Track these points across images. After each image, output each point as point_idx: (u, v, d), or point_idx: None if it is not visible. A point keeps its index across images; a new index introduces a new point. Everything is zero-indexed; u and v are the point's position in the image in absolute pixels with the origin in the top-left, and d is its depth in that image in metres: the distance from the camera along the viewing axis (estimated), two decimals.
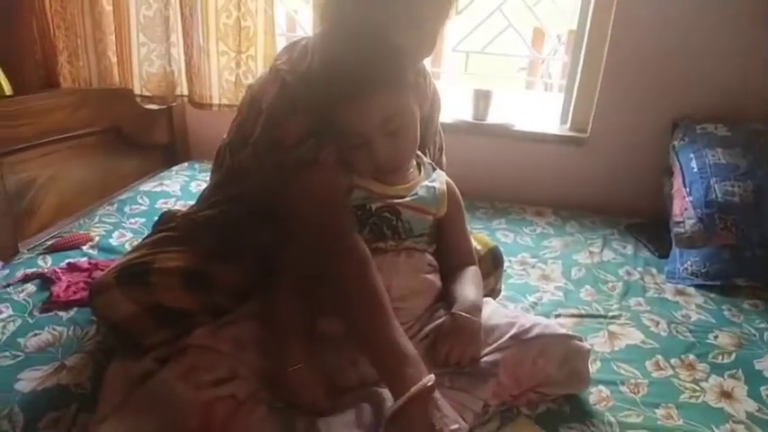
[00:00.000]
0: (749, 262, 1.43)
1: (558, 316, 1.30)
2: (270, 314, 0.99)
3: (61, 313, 1.18)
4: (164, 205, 1.72)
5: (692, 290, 1.44)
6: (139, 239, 1.48)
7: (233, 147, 1.15)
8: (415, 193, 1.06)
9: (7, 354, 1.04)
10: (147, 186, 1.83)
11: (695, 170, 1.53)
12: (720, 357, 1.17)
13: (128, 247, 1.45)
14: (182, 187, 1.85)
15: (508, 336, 0.99)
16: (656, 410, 1.01)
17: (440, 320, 1.02)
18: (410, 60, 1.05)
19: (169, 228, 1.13)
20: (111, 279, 1.01)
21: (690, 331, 1.26)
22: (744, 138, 1.55)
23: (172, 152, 2.11)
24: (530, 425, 0.96)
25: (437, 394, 0.84)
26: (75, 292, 1.24)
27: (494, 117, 1.94)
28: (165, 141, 2.07)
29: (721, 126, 1.62)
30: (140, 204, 1.71)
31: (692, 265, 1.49)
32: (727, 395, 1.06)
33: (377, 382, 0.93)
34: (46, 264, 1.35)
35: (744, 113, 1.67)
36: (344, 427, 0.86)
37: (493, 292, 1.23)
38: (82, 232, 1.51)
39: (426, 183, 1.09)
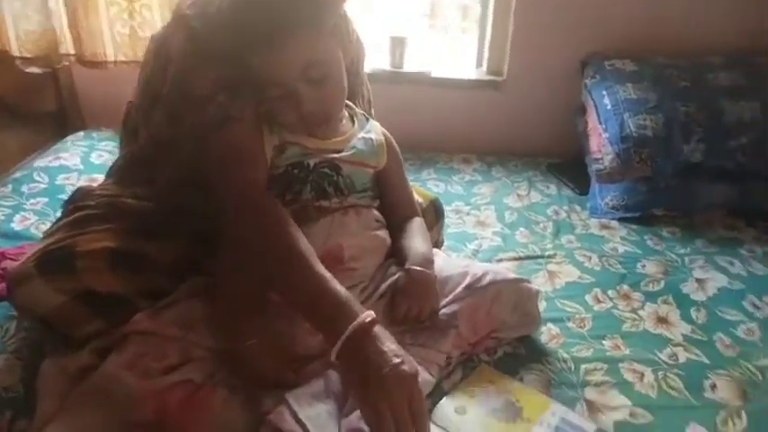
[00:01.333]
0: (664, 192, 1.53)
1: (499, 261, 1.32)
2: (218, 290, 0.92)
3: None
4: (65, 181, 1.54)
5: (615, 223, 1.52)
6: (45, 222, 1.34)
7: (144, 108, 1.03)
8: (353, 147, 1.02)
9: None
10: (43, 161, 1.63)
11: (608, 107, 1.59)
12: (651, 285, 1.25)
13: (34, 231, 1.31)
14: (82, 159, 1.67)
15: (463, 286, 1.00)
16: (604, 342, 1.06)
17: (394, 277, 1.00)
18: (334, 4, 0.98)
19: (87, 206, 1.01)
20: (30, 268, 0.89)
21: (620, 263, 1.34)
22: (650, 72, 1.63)
23: (62, 121, 1.89)
24: (491, 371, 0.98)
25: (378, 330, 0.78)
26: None
27: (410, 65, 1.91)
28: (54, 109, 1.85)
29: (628, 61, 1.68)
30: (39, 182, 1.52)
31: (612, 200, 1.57)
32: (663, 321, 1.14)
33: None
34: None
35: (648, 48, 1.74)
36: (314, 398, 0.82)
37: (437, 244, 1.23)
38: None
39: (362, 135, 1.05)
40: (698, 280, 1.28)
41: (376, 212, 1.04)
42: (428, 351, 0.94)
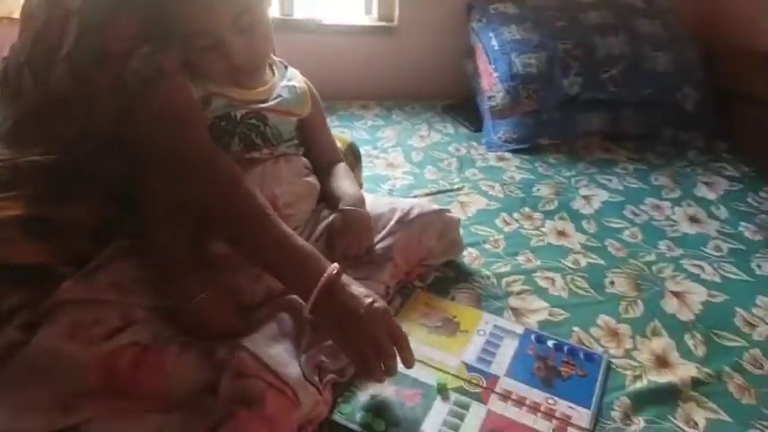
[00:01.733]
0: (548, 123, 1.68)
1: (414, 197, 1.39)
2: (152, 250, 0.89)
3: None
4: None
5: (508, 155, 1.65)
6: None
7: (35, 65, 0.94)
8: (279, 96, 1.01)
9: None
10: None
11: (496, 48, 1.70)
12: (547, 205, 1.40)
13: None
14: None
15: (394, 220, 1.05)
16: (518, 258, 1.18)
17: (329, 219, 1.03)
18: None
19: None
20: None
21: (518, 189, 1.47)
22: (531, 14, 1.75)
23: None
24: (426, 295, 1.05)
25: (344, 278, 0.82)
26: None
27: (300, 11, 1.88)
28: None
29: (510, 4, 1.80)
30: None
31: (504, 134, 1.70)
32: (562, 234, 1.28)
33: (285, 290, 0.92)
34: None
35: None
36: (271, 340, 0.83)
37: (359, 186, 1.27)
38: None
39: (285, 83, 1.04)
40: (584, 197, 1.44)
41: (304, 159, 1.05)
42: (369, 283, 0.98)
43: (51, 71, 0.91)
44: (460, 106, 1.92)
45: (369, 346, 0.77)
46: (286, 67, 1.10)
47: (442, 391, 0.84)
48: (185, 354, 0.84)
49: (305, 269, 0.82)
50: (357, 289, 0.81)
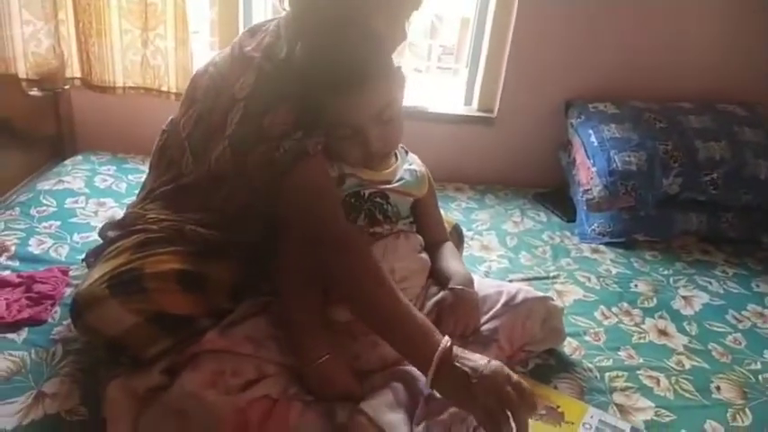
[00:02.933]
0: (644, 220, 1.70)
1: (510, 281, 1.43)
2: (283, 311, 0.98)
3: (11, 336, 1.04)
4: (74, 205, 1.54)
5: (602, 247, 1.67)
6: (62, 245, 1.36)
7: (195, 143, 1.08)
8: (402, 178, 1.10)
9: None
10: (46, 185, 1.62)
11: (595, 144, 1.76)
12: (646, 302, 1.40)
13: (54, 255, 1.31)
14: (86, 183, 1.67)
15: (501, 304, 1.09)
16: (619, 353, 1.18)
17: (439, 296, 1.08)
18: (390, 49, 1.07)
19: (147, 229, 1.04)
20: (102, 290, 0.92)
21: (615, 282, 1.48)
22: (630, 114, 1.82)
23: (58, 144, 1.87)
24: (528, 380, 1.07)
25: (457, 350, 0.87)
26: (19, 311, 1.09)
27: (408, 100, 2.02)
28: (53, 132, 1.83)
29: (609, 104, 1.87)
30: (47, 206, 1.52)
31: (598, 226, 1.73)
32: (663, 333, 1.28)
33: (397, 360, 0.97)
34: None
35: (624, 94, 1.94)
36: (388, 408, 0.88)
37: None
38: None
39: (407, 166, 1.14)
40: (684, 297, 1.43)
41: (419, 237, 1.13)
42: None
43: (210, 151, 1.04)
44: (552, 195, 1.98)
45: (496, 403, 0.80)
46: (407, 152, 1.20)
47: None
48: (308, 412, 0.90)
49: (423, 341, 0.87)
50: (470, 354, 0.86)
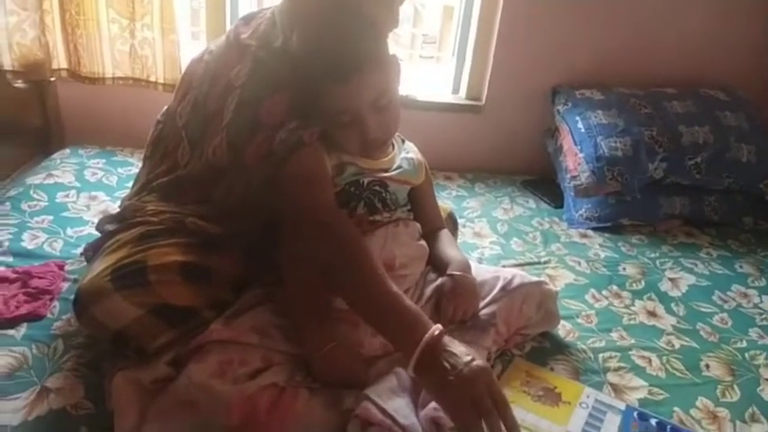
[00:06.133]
0: (630, 204, 1.74)
1: (503, 267, 1.46)
2: (288, 300, 0.99)
3: (11, 332, 1.04)
4: (65, 199, 1.53)
5: (590, 232, 1.71)
6: (56, 239, 1.35)
7: (191, 131, 1.08)
8: (399, 166, 1.12)
9: None
10: (36, 179, 1.60)
11: (582, 130, 1.80)
12: (634, 285, 1.44)
13: (48, 249, 1.30)
14: (76, 177, 1.65)
15: (498, 288, 1.11)
16: (611, 334, 1.22)
17: (438, 282, 1.10)
18: (385, 36, 1.08)
19: (147, 222, 1.03)
20: (105, 283, 0.91)
21: (604, 266, 1.52)
22: (615, 100, 1.85)
23: (45, 137, 1.84)
24: (525, 363, 1.10)
25: (446, 339, 0.86)
26: (17, 307, 1.08)
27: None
28: (39, 124, 1.80)
29: (596, 91, 1.90)
30: (38, 200, 1.50)
31: (586, 212, 1.76)
32: (652, 314, 1.32)
33: None
34: None
35: (610, 80, 1.98)
36: (393, 393, 0.90)
37: None
38: None
39: (404, 155, 1.15)
40: (671, 279, 1.48)
41: (417, 224, 1.15)
42: (473, 348, 1.04)
43: (207, 140, 1.04)
44: (539, 182, 2.01)
45: (468, 405, 0.79)
46: (403, 141, 1.21)
47: None
48: (314, 399, 0.91)
49: (410, 328, 0.87)
50: (458, 348, 0.85)
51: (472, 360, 0.83)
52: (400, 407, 0.88)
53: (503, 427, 0.79)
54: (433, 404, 0.89)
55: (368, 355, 1.00)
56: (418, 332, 0.86)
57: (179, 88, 1.14)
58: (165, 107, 1.19)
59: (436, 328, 0.87)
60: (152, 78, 1.75)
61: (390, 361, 0.98)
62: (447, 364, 0.82)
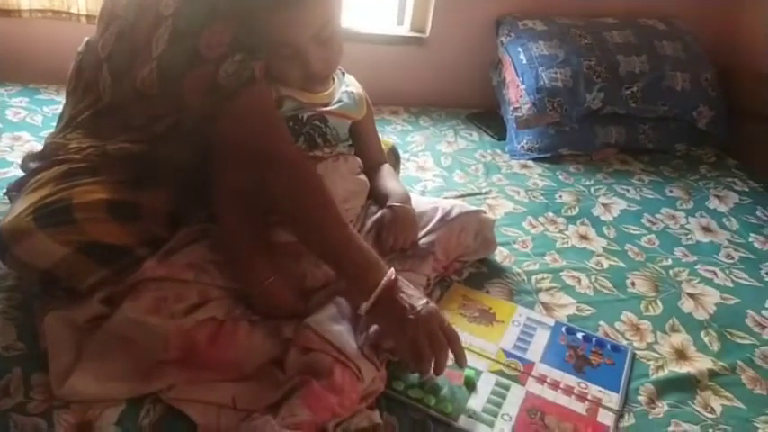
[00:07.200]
0: (569, 135, 1.77)
1: (445, 198, 1.48)
2: (225, 236, 0.98)
3: None
4: None
5: (531, 163, 1.74)
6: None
7: (115, 63, 1.02)
8: (340, 100, 1.10)
9: None
10: None
11: (524, 62, 1.80)
12: (569, 211, 1.49)
13: None
14: None
15: (437, 219, 1.14)
16: (545, 257, 1.27)
17: (378, 214, 1.12)
18: None
19: (69, 159, 0.99)
20: (27, 223, 0.88)
21: (542, 195, 1.56)
22: (557, 31, 1.85)
23: None
24: (463, 287, 1.14)
25: (400, 283, 0.91)
26: None
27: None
28: None
29: (538, 21, 1.89)
30: None
31: (527, 143, 1.79)
32: (584, 237, 1.38)
33: None
34: None
35: (552, 10, 1.97)
36: (332, 320, 0.92)
37: None
38: None
39: (344, 88, 1.13)
40: (603, 205, 1.54)
41: (358, 159, 1.14)
42: (412, 275, 1.07)
43: (134, 71, 0.99)
44: (484, 115, 2.02)
45: (425, 341, 0.85)
46: (344, 74, 1.18)
47: (470, 384, 0.92)
48: (255, 330, 0.93)
49: (369, 270, 0.90)
50: (412, 291, 0.91)
51: (427, 303, 0.89)
52: (339, 332, 0.90)
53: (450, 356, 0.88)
54: (373, 329, 0.92)
55: (311, 287, 1.02)
56: (377, 274, 0.90)
57: (101, 18, 1.07)
58: (86, 38, 1.12)
59: (392, 273, 0.91)
60: (73, 10, 1.63)
61: (330, 291, 1.00)
62: (406, 305, 0.88)
